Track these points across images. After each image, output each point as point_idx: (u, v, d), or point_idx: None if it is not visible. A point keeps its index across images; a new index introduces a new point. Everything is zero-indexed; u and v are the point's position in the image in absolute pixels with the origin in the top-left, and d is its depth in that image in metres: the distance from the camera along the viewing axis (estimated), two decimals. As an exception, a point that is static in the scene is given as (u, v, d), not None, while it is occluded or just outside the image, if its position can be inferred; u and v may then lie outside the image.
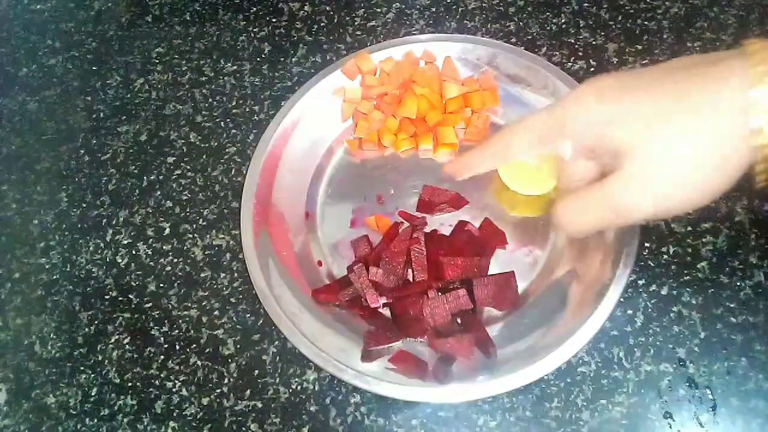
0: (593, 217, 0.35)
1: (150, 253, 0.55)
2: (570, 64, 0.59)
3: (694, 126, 0.31)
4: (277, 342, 0.50)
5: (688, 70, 0.32)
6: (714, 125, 0.31)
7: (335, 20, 0.64)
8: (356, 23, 0.64)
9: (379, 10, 0.64)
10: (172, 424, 0.48)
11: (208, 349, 0.50)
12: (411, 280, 0.49)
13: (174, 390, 0.49)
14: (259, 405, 0.48)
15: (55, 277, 0.55)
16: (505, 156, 0.40)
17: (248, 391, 0.48)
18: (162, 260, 0.54)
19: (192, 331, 0.51)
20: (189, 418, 0.48)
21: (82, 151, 0.61)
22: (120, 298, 0.53)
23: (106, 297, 0.53)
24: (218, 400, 0.48)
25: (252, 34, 0.65)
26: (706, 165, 0.32)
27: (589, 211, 0.35)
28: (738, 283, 0.47)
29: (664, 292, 0.48)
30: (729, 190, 0.49)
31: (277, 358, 0.49)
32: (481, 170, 0.42)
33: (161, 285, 0.53)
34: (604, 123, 0.34)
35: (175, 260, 0.54)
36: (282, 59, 0.63)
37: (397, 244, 0.48)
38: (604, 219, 0.35)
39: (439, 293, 0.46)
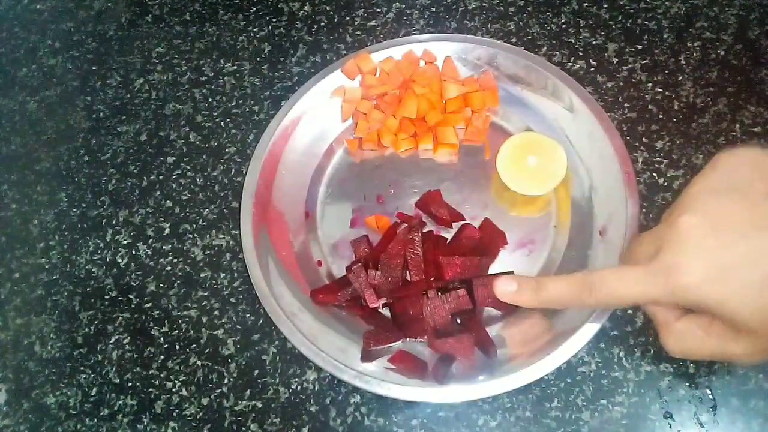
0: (702, 354, 0.36)
1: (150, 253, 0.55)
2: (570, 64, 0.59)
3: None
4: (277, 342, 0.50)
5: None
6: None
7: (335, 20, 0.64)
8: (356, 23, 0.64)
9: (379, 10, 0.64)
10: (172, 424, 0.48)
11: (208, 349, 0.50)
12: (409, 280, 0.49)
13: (174, 390, 0.49)
14: (259, 405, 0.48)
15: (55, 277, 0.55)
16: (604, 305, 0.39)
17: (248, 391, 0.48)
18: (162, 260, 0.54)
19: (192, 331, 0.51)
20: (189, 418, 0.48)
21: (82, 151, 0.61)
22: (120, 298, 0.53)
23: (106, 297, 0.53)
24: (218, 400, 0.48)
25: (252, 34, 0.65)
26: None
27: (701, 351, 0.36)
28: (738, 283, 0.47)
29: (664, 292, 0.48)
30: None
31: (277, 358, 0.49)
32: (561, 308, 0.43)
33: (161, 285, 0.53)
34: (718, 303, 0.33)
35: (175, 260, 0.54)
36: (282, 59, 0.63)
37: (395, 246, 0.48)
38: (712, 358, 0.37)
39: (439, 293, 0.46)
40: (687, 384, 0.45)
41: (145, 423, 0.48)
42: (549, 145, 0.51)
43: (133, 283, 0.53)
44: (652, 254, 0.35)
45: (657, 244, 0.35)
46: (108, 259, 0.55)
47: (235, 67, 0.63)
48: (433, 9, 0.64)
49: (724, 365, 0.45)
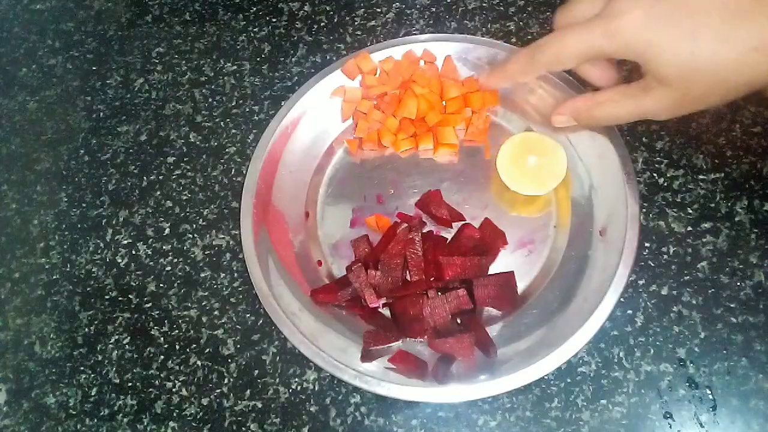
0: (624, 112, 0.43)
1: (150, 253, 0.55)
2: (570, 64, 0.59)
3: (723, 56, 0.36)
4: (277, 342, 0.50)
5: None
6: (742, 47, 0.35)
7: (335, 20, 0.64)
8: (356, 23, 0.64)
9: (379, 10, 0.64)
10: (172, 424, 0.48)
11: (208, 349, 0.50)
12: (409, 280, 0.49)
13: (174, 390, 0.49)
14: (259, 405, 0.48)
15: (55, 277, 0.55)
16: (554, 64, 0.44)
17: (248, 391, 0.48)
18: (162, 260, 0.54)
19: (192, 331, 0.51)
20: (189, 418, 0.48)
21: (82, 151, 0.61)
22: (120, 298, 0.53)
23: (106, 297, 0.53)
24: (218, 400, 0.48)
25: (252, 34, 0.65)
26: (729, 86, 0.37)
27: (622, 110, 0.43)
28: (738, 283, 0.48)
29: (664, 292, 0.48)
30: (729, 190, 0.49)
31: (277, 358, 0.49)
32: (524, 79, 0.49)
33: (161, 285, 0.53)
34: (647, 45, 0.37)
35: (175, 260, 0.54)
36: (282, 59, 0.63)
37: (395, 246, 0.48)
38: (630, 116, 0.43)
39: (439, 293, 0.46)
40: (687, 384, 0.45)
41: (145, 423, 0.48)
42: (549, 145, 0.51)
43: (133, 283, 0.53)
44: (595, 13, 0.40)
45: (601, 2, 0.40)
46: (108, 259, 0.55)
47: (235, 67, 0.63)
48: (433, 9, 0.64)
49: (724, 364, 0.45)
